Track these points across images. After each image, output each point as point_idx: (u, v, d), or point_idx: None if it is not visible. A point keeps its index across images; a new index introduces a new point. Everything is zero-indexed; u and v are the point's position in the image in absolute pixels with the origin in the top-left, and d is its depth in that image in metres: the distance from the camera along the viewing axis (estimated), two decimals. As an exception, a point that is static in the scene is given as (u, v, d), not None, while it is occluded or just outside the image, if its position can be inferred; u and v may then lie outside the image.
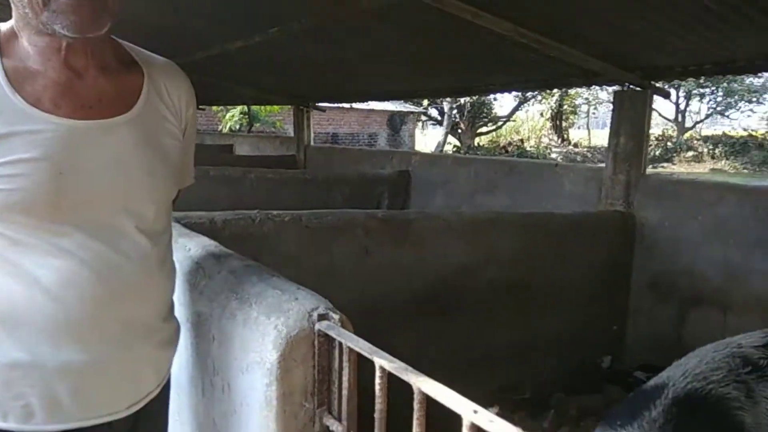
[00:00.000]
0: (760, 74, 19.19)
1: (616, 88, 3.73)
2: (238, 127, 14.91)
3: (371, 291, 2.71)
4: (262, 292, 1.14)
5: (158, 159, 1.12)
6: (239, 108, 14.42)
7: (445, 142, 21.25)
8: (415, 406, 0.73)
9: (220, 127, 15.36)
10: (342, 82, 5.91)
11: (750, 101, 23.09)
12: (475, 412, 0.64)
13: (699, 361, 1.60)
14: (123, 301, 1.07)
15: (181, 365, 1.40)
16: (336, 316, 1.00)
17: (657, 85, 3.59)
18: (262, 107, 14.10)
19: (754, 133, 22.78)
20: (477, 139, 22.64)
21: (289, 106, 8.84)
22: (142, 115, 1.10)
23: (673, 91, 21.59)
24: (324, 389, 1.01)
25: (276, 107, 14.14)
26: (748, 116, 23.85)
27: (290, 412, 1.01)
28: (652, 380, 1.61)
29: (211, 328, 1.27)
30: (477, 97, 19.69)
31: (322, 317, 1.00)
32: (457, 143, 22.07)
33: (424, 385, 0.71)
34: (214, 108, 14.72)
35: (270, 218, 2.51)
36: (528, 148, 22.78)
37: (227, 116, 15.08)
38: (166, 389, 1.24)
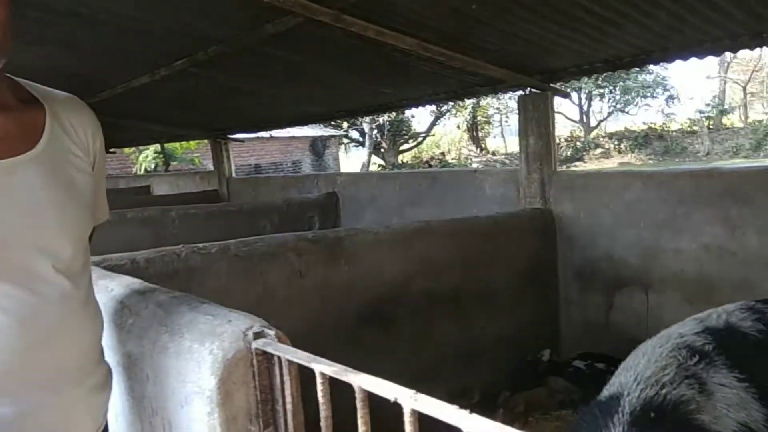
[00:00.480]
0: (647, 69, 20.69)
1: (520, 93, 3.93)
2: (153, 167, 14.37)
3: (308, 313, 2.68)
4: (193, 320, 1.11)
5: (69, 194, 1.08)
6: (153, 148, 13.92)
7: (369, 162, 21.46)
8: (358, 404, 0.73)
9: (134, 170, 14.76)
10: (256, 110, 5.87)
11: (645, 96, 24.86)
12: (415, 400, 0.66)
13: (647, 361, 1.58)
14: (48, 347, 1.03)
15: (117, 413, 1.34)
16: (272, 332, 0.99)
17: (556, 86, 3.81)
18: (178, 144, 13.70)
19: (653, 126, 24.48)
20: (400, 157, 23.01)
21: (206, 141, 8.65)
22: (48, 151, 1.07)
23: (575, 94, 22.91)
24: (268, 409, 0.99)
25: (192, 143, 13.78)
26: (646, 110, 25.67)
27: (236, 439, 0.98)
28: (605, 390, 1.58)
29: (144, 367, 1.23)
30: (395, 114, 20.06)
31: (257, 335, 0.99)
32: (382, 162, 22.35)
33: (364, 382, 0.72)
34: (126, 150, 14.16)
35: (196, 251, 2.45)
36: (450, 161, 23.40)
37: (141, 157, 14.52)
38: (104, 438, 1.19)
